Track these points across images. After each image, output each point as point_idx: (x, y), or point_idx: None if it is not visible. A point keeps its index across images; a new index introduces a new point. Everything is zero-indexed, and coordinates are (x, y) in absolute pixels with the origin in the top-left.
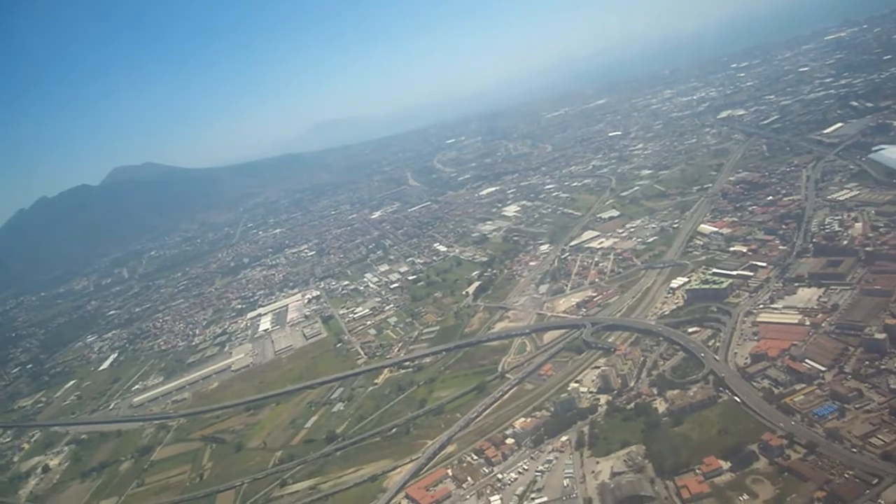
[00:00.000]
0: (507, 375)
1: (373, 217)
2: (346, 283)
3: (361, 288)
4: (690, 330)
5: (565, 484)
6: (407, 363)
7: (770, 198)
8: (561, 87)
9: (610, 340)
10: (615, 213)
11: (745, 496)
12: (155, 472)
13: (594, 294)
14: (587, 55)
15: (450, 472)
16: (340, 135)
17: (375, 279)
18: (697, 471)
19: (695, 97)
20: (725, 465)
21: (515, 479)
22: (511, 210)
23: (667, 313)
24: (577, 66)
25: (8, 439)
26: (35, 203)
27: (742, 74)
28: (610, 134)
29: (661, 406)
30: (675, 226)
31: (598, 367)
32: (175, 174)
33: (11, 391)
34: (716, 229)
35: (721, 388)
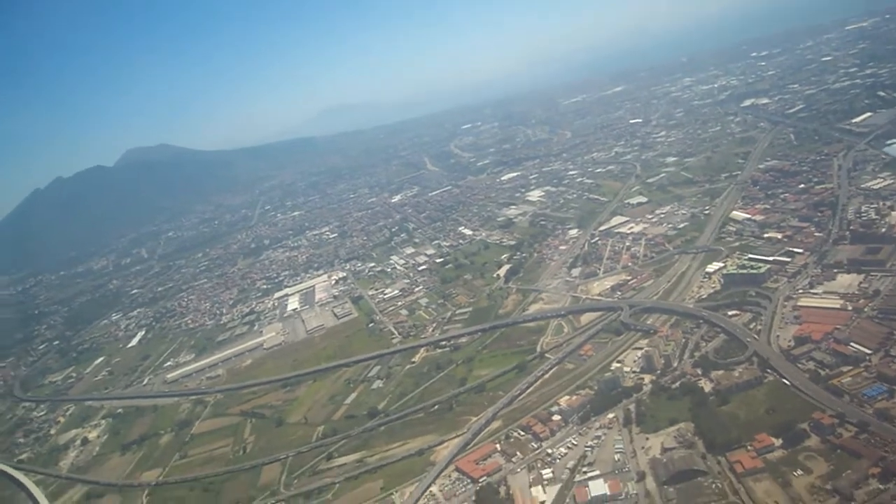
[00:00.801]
0: (547, 355)
1: (393, 201)
2: (372, 265)
3: (388, 270)
4: (730, 313)
5: (616, 458)
6: (443, 343)
7: (802, 186)
8: (573, 76)
9: (649, 323)
10: (643, 199)
11: (799, 471)
12: (196, 444)
13: (628, 278)
14: (597, 44)
15: (498, 446)
16: (348, 120)
17: (402, 261)
18: (749, 447)
19: (715, 85)
20: (777, 441)
21: (565, 453)
22: (535, 195)
23: (704, 297)
24: (588, 56)
25: (42, 413)
26: (51, 183)
27: (763, 63)
28: (631, 121)
29: (706, 386)
30: (706, 212)
31: (638, 349)
32: (188, 156)
33: (41, 367)
34: (748, 216)
35: (766, 370)
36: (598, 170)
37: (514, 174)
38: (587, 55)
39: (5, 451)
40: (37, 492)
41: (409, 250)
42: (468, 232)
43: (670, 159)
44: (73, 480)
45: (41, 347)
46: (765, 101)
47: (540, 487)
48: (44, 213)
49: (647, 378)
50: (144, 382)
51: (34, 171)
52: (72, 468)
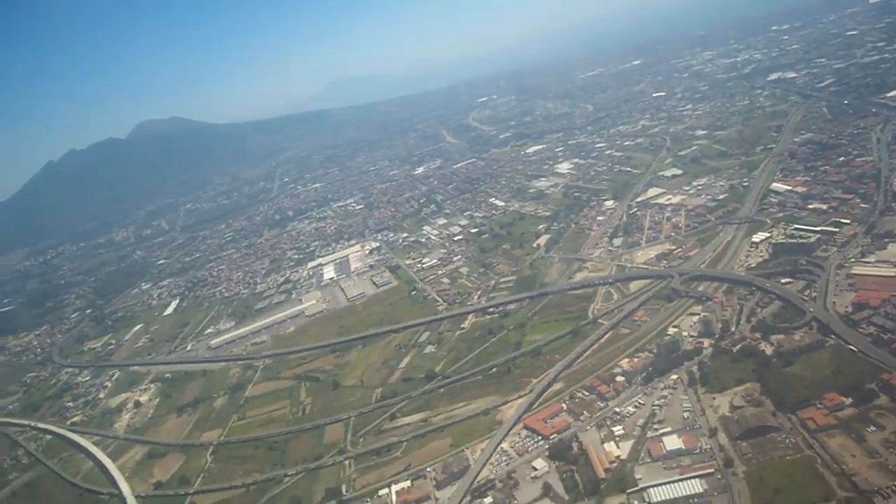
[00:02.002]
0: (600, 321)
1: (416, 173)
2: (405, 235)
3: (423, 240)
4: (783, 281)
5: (685, 416)
6: (491, 309)
7: (842, 159)
8: (586, 48)
9: (700, 290)
10: (678, 171)
11: (872, 428)
12: (253, 407)
13: (673, 247)
14: (608, 15)
15: (564, 406)
16: (357, 93)
17: (435, 232)
18: (819, 405)
19: (738, 59)
20: (847, 400)
21: (633, 412)
22: (564, 167)
23: (754, 265)
24: (600, 27)
25: (87, 378)
26: (64, 155)
27: (786, 37)
28: (654, 95)
29: (766, 349)
30: (745, 184)
31: (693, 314)
32: (201, 129)
33: (77, 334)
34: (789, 188)
35: (826, 334)
36: (627, 143)
37: (539, 147)
38: (604, 26)
39: (56, 414)
40: (98, 452)
41: (441, 221)
42: (500, 203)
43: (700, 132)
44: (132, 441)
45: (74, 316)
46: (792, 75)
47: (612, 443)
48: (58, 185)
49: (706, 342)
50: (188, 349)
51: (47, 143)
52: (128, 430)
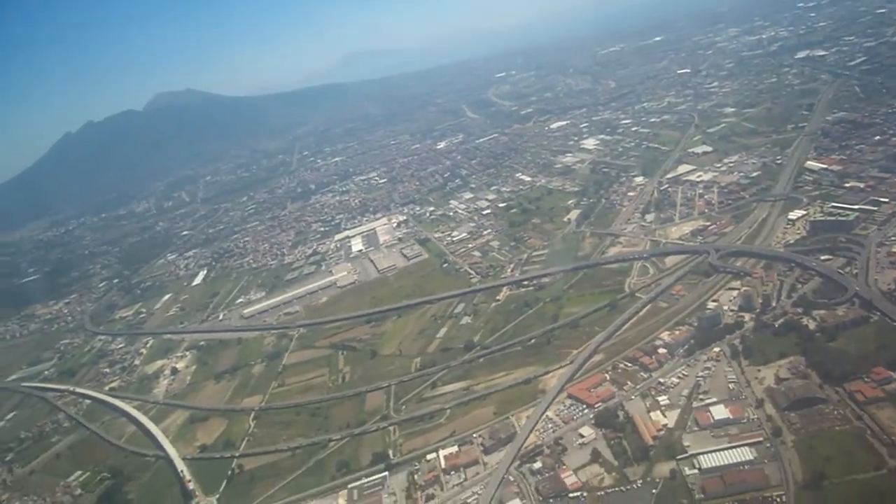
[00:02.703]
0: (637, 294)
1: (438, 147)
2: (432, 209)
3: (450, 214)
4: (823, 258)
5: (730, 387)
6: (525, 282)
7: (878, 138)
8: (606, 23)
9: (737, 265)
10: (708, 148)
11: None
12: (291, 374)
13: (707, 223)
14: None
15: (607, 376)
16: (372, 66)
17: (462, 206)
18: (867, 379)
19: (763, 36)
20: (895, 374)
21: (677, 382)
22: (590, 143)
23: (791, 242)
24: (620, 2)
25: (121, 345)
26: (82, 127)
27: (813, 14)
28: (678, 71)
29: (810, 324)
30: (778, 161)
31: (732, 289)
32: (216, 101)
33: (106, 303)
34: (824, 166)
35: (869, 310)
36: (653, 119)
37: (563, 123)
38: (622, 1)
39: (92, 380)
40: (140, 416)
41: (468, 195)
42: (526, 178)
43: (728, 110)
44: (172, 406)
45: (101, 285)
46: (821, 53)
47: (658, 412)
48: (76, 157)
49: (747, 316)
50: (220, 318)
51: (64, 115)
52: (167, 395)
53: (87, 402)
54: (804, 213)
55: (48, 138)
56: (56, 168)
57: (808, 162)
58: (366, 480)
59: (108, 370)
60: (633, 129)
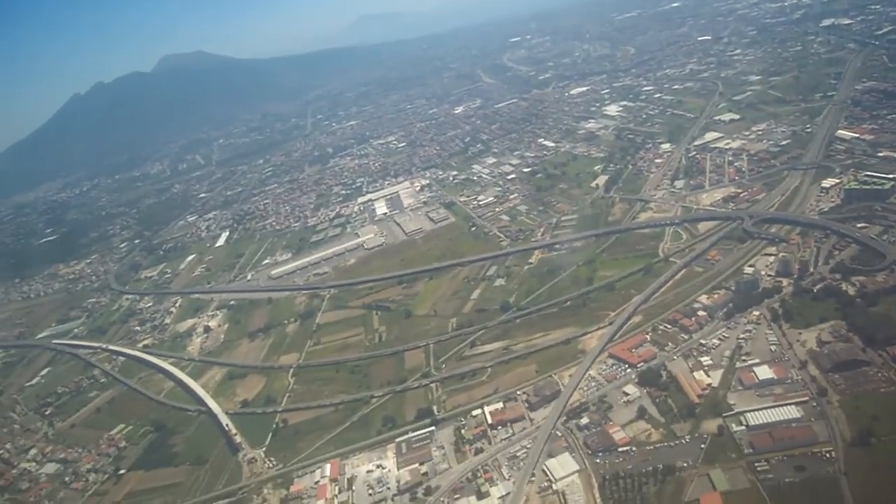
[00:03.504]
0: (672, 259)
1: (456, 112)
2: (455, 173)
3: (474, 178)
4: (859, 225)
5: (772, 349)
6: (557, 246)
7: None
8: None
9: (772, 231)
10: (735, 116)
11: None
12: (326, 333)
13: (738, 190)
14: None
15: (648, 337)
16: (384, 30)
17: (486, 171)
18: None
19: (786, 3)
20: None
21: (718, 344)
22: (613, 110)
23: (826, 210)
24: None
25: (149, 304)
26: (91, 88)
27: None
28: (699, 38)
29: (849, 289)
30: (808, 130)
31: (768, 255)
32: (225, 63)
33: (130, 263)
34: (856, 135)
35: None
36: (676, 86)
37: (584, 89)
38: None
39: (124, 337)
40: (178, 372)
41: (491, 160)
42: (550, 144)
43: (753, 78)
44: (208, 363)
45: (122, 246)
46: (846, 21)
47: (702, 372)
48: (85, 118)
49: (785, 281)
50: (248, 278)
51: (72, 76)
52: (201, 353)
53: (121, 359)
54: (837, 181)
55: (56, 100)
56: (65, 130)
57: (839, 131)
58: (413, 434)
59: (138, 328)
60: (656, 95)
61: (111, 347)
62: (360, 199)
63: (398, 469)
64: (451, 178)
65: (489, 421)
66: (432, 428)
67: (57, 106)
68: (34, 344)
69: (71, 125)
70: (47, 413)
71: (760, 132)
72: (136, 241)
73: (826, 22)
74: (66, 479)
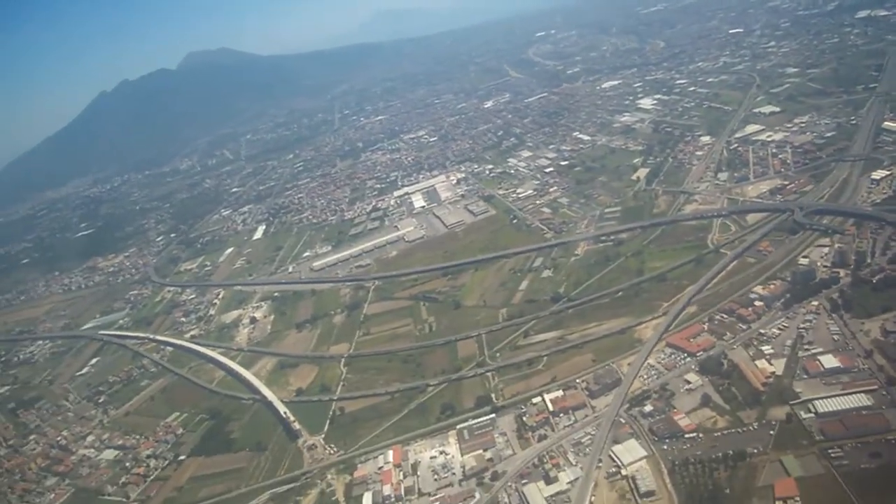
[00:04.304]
0: (723, 250)
1: (486, 106)
2: (490, 166)
3: (511, 172)
4: None
5: (835, 339)
6: (602, 238)
7: None
8: None
9: (824, 223)
10: (775, 108)
11: None
12: (374, 324)
13: (785, 182)
14: None
15: (705, 326)
16: (404, 26)
17: (522, 164)
18: None
19: None
20: None
21: (778, 333)
22: (647, 103)
23: (878, 202)
24: None
25: (192, 296)
26: (118, 86)
27: None
28: (730, 31)
29: None
30: (853, 122)
31: (821, 246)
32: (249, 60)
33: (168, 256)
34: None
35: None
36: (710, 79)
37: (615, 82)
38: None
39: (170, 328)
40: (229, 362)
41: (526, 154)
42: (585, 137)
43: (791, 70)
44: (258, 353)
45: (159, 239)
46: (883, 13)
47: (764, 361)
48: (113, 115)
49: (842, 272)
50: (290, 270)
51: (98, 74)
52: (249, 343)
53: (169, 349)
54: (888, 173)
55: (83, 98)
56: (93, 126)
57: (886, 122)
58: (475, 421)
59: (183, 319)
60: (691, 89)
61: (158, 338)
62: (396, 193)
63: (462, 455)
64: (486, 172)
65: (550, 408)
66: (493, 415)
67: (84, 103)
68: (80, 335)
69: (99, 122)
70: (100, 401)
71: (803, 124)
72: (173, 235)
73: (861, 13)
74: (127, 464)
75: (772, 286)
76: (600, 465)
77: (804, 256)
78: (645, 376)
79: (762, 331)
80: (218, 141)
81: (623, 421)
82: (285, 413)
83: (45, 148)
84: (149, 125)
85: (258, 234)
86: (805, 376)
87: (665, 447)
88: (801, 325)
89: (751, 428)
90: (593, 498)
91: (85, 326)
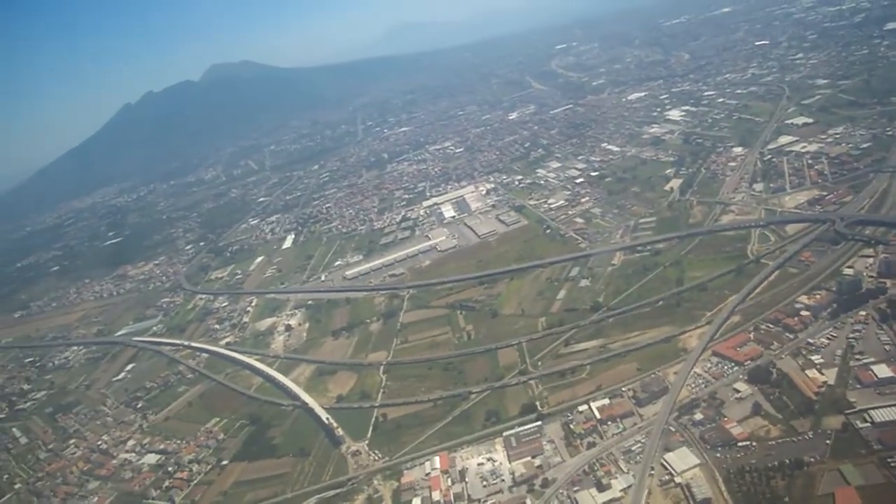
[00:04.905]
0: (763, 261)
1: (511, 118)
2: (519, 177)
3: (541, 182)
4: None
5: (887, 349)
6: (639, 247)
7: None
8: None
9: (866, 233)
10: (808, 119)
11: None
12: (412, 332)
13: (823, 193)
14: None
15: (751, 336)
16: (417, 39)
17: (552, 175)
18: None
19: (844, 7)
20: None
21: (827, 343)
22: (675, 115)
23: None
24: None
25: (225, 303)
26: (142, 98)
27: None
28: (756, 43)
29: None
30: (889, 133)
31: (865, 256)
32: (270, 73)
33: (198, 265)
34: None
35: None
36: (739, 91)
37: (641, 94)
38: None
39: (204, 335)
40: (266, 369)
41: (555, 164)
42: (614, 148)
43: (821, 81)
44: (294, 360)
45: (188, 248)
46: None
47: (814, 370)
48: (137, 126)
49: (889, 282)
50: (322, 279)
51: (123, 86)
52: (286, 350)
53: (204, 355)
54: None
55: (108, 109)
56: (118, 137)
57: None
58: (521, 429)
59: (217, 326)
60: (719, 100)
61: (193, 344)
62: (426, 203)
63: (510, 462)
64: (516, 182)
65: (598, 416)
66: (539, 423)
67: (109, 114)
68: (114, 341)
69: (123, 133)
70: (138, 406)
71: (838, 135)
72: (202, 244)
73: (890, 25)
74: (169, 468)
75: (817, 296)
76: (652, 472)
77: (848, 266)
78: (692, 385)
79: (810, 340)
80: (241, 152)
81: (672, 429)
82: (328, 419)
83: (71, 158)
84: (172, 136)
85: (287, 244)
86: (858, 386)
87: (718, 455)
88: (850, 335)
89: (806, 437)
90: None
91: (118, 333)
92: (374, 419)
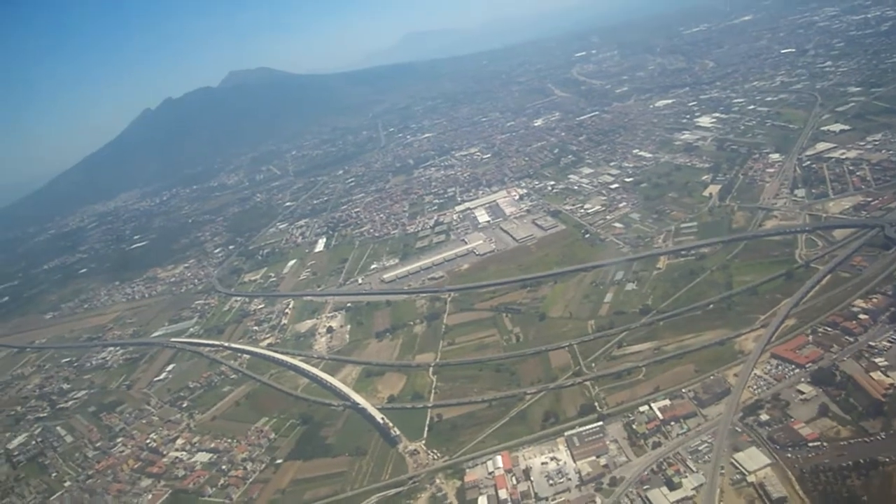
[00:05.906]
0: (813, 265)
1: (536, 124)
2: (552, 183)
3: (575, 188)
4: None
5: None
6: (683, 252)
7: None
8: (678, 4)
9: None
10: (845, 126)
11: None
12: (458, 334)
13: (868, 198)
14: None
15: (809, 338)
16: (433, 47)
17: (585, 180)
18: None
19: (869, 16)
20: None
21: (889, 346)
22: (706, 121)
23: None
24: None
25: (262, 306)
26: (161, 104)
27: None
28: (782, 51)
29: None
30: None
31: None
32: (288, 79)
33: (229, 268)
34: None
35: None
36: (769, 98)
37: (668, 101)
38: None
39: (243, 336)
40: (313, 369)
41: (587, 170)
42: (647, 154)
43: (853, 89)
44: (340, 361)
45: (217, 251)
46: None
47: (878, 372)
48: (157, 131)
49: None
50: (359, 282)
51: (142, 92)
52: (330, 351)
53: (245, 357)
54: None
55: (128, 114)
56: (139, 142)
57: None
58: (583, 429)
59: (256, 328)
60: (750, 107)
61: (233, 346)
62: (458, 208)
63: (574, 461)
64: (548, 188)
65: (660, 417)
66: (600, 423)
67: (129, 120)
68: (151, 342)
69: (143, 138)
70: (184, 406)
71: (877, 142)
72: (231, 247)
73: None
74: (223, 467)
75: (874, 300)
76: (723, 472)
77: None
78: (754, 386)
79: (871, 343)
80: (262, 157)
81: (738, 430)
82: (383, 419)
83: (91, 163)
84: (192, 141)
85: (319, 247)
86: None
87: (789, 455)
88: None
89: (878, 437)
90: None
91: (155, 334)
92: (428, 419)
